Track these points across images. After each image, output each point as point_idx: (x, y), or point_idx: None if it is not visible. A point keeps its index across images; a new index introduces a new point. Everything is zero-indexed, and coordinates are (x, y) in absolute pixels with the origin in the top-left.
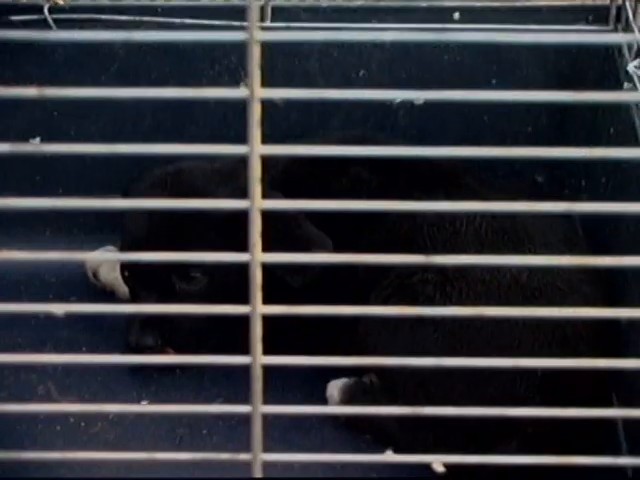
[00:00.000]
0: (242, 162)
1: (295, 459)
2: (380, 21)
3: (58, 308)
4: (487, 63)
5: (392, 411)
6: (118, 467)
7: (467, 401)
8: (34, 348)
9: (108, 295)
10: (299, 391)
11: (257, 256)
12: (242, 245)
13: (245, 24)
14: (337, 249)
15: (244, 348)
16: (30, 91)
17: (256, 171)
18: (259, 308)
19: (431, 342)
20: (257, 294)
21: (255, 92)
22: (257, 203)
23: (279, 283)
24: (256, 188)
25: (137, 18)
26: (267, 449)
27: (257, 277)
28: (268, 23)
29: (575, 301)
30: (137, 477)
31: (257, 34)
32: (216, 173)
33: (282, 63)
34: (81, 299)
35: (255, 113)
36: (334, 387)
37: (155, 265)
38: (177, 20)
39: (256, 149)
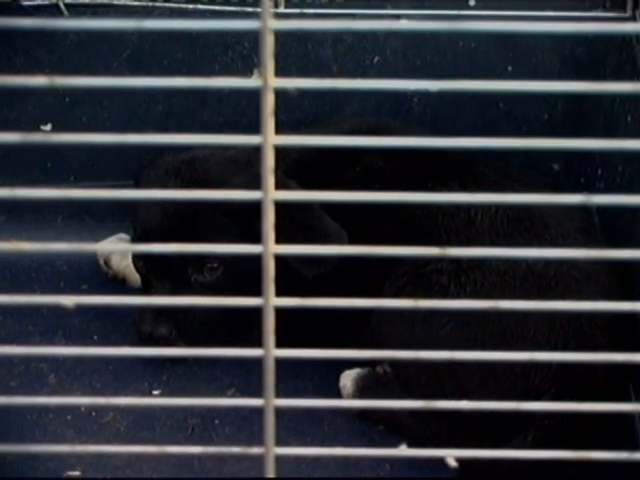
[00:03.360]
0: (258, 150)
1: (308, 453)
2: (394, 7)
3: (71, 300)
4: (503, 50)
5: (405, 404)
6: (129, 457)
7: (481, 392)
8: (45, 337)
9: (119, 283)
10: (311, 381)
11: (270, 248)
12: (258, 234)
13: (259, 10)
14: (350, 236)
15: (257, 339)
16: (40, 80)
17: (270, 161)
18: (272, 300)
19: (445, 332)
20: (270, 286)
21: (269, 82)
22: (270, 194)
23: (290, 273)
24: (269, 179)
25: (149, 4)
26: (279, 440)
27: (270, 269)
28: (282, 9)
29: (591, 290)
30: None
31: (271, 23)
32: (231, 161)
33: (295, 49)
34: (92, 287)
35: (269, 103)
36: (347, 377)
37: (169, 255)
38: (190, 6)
39: (270, 139)
